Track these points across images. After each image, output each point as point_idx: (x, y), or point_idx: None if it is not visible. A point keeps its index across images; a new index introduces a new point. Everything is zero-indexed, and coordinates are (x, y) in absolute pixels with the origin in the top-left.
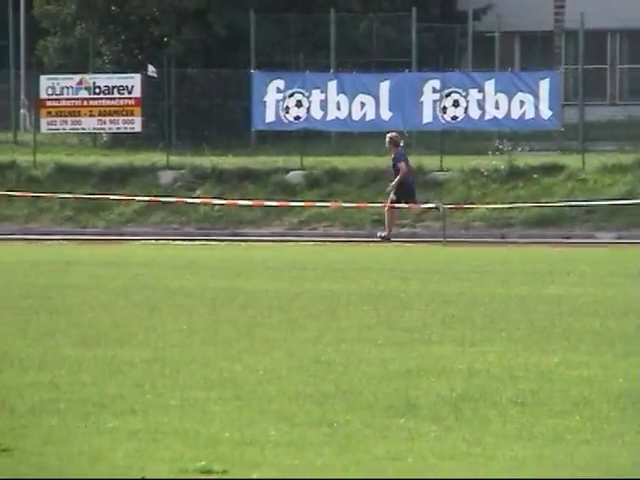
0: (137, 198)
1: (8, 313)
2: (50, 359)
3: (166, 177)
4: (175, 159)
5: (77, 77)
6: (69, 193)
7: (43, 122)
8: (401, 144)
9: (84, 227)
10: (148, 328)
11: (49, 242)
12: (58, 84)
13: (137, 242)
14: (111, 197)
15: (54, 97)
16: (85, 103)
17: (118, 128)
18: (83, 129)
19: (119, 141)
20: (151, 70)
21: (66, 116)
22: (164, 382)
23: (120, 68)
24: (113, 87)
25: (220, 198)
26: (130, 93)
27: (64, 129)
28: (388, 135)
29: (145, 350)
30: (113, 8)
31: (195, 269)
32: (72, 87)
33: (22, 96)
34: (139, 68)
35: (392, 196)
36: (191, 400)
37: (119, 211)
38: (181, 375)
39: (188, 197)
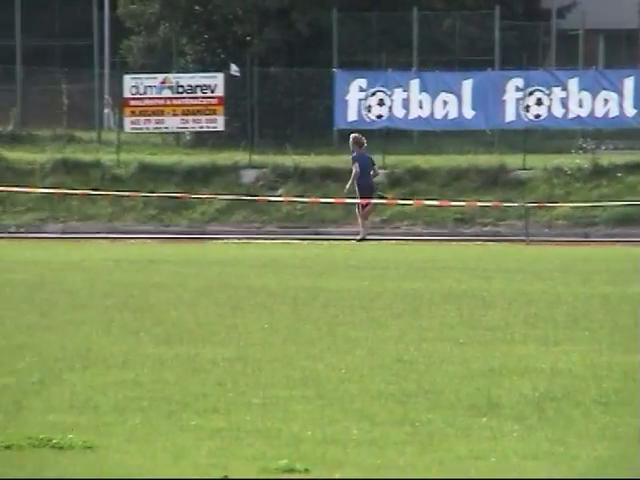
0: (219, 197)
1: (92, 312)
2: (133, 357)
3: (248, 176)
4: (257, 158)
5: (160, 76)
6: (152, 192)
7: (127, 121)
8: (364, 145)
9: (167, 226)
10: (230, 327)
11: (132, 241)
12: (142, 83)
13: (219, 241)
14: (194, 196)
15: (138, 96)
16: (168, 102)
17: (201, 127)
18: (166, 128)
19: (202, 140)
20: (234, 69)
21: (149, 115)
22: (246, 380)
23: (203, 67)
24: (196, 86)
25: (302, 197)
26: (213, 92)
27: (147, 128)
28: (352, 135)
29: (227, 348)
30: (196, 8)
31: (277, 268)
32: (155, 86)
33: (106, 96)
34: (222, 67)
35: (358, 200)
36: (273, 398)
37: (202, 210)
38: (263, 374)
39: (270, 196)
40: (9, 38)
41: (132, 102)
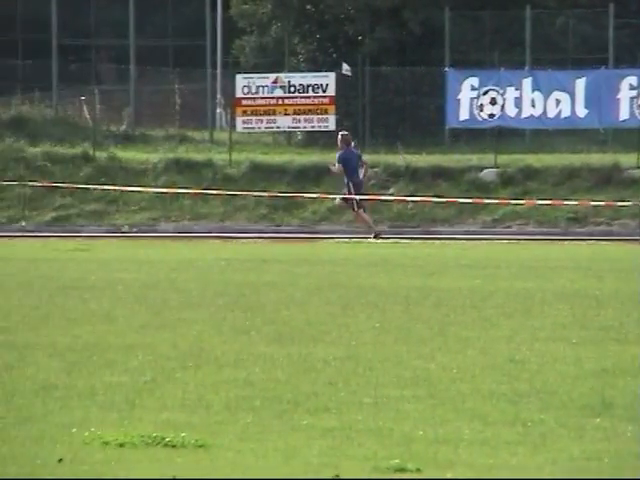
0: (331, 196)
1: (204, 310)
2: (245, 356)
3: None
4: (369, 157)
5: (272, 76)
6: (264, 191)
7: (239, 121)
8: (353, 143)
9: (278, 225)
10: (341, 326)
11: (244, 240)
12: (254, 83)
13: (330, 240)
14: (305, 195)
15: (250, 96)
16: (280, 102)
17: (312, 126)
18: (278, 128)
19: (313, 139)
20: (345, 69)
21: (261, 115)
22: (357, 380)
23: (315, 67)
24: (308, 86)
25: (413, 196)
26: (324, 92)
27: (259, 128)
28: (340, 133)
29: (338, 348)
30: (308, 7)
31: (388, 267)
32: (267, 86)
33: (218, 95)
34: (333, 67)
35: (344, 196)
36: (384, 398)
37: (313, 209)
38: (374, 373)
39: (381, 195)
40: (123, 38)
41: (244, 102)
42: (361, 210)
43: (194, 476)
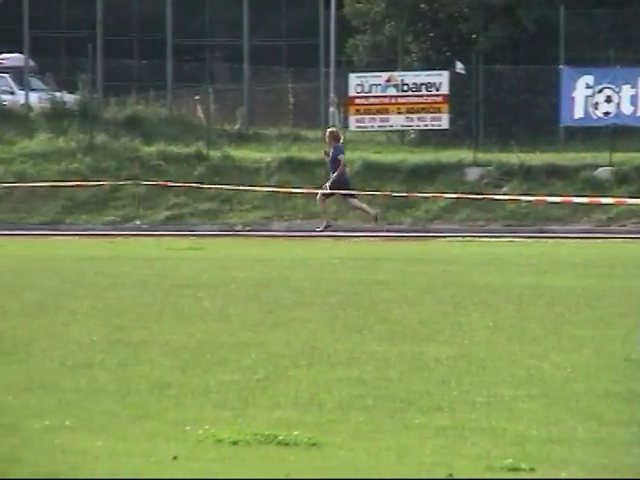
0: (445, 195)
1: (317, 309)
2: (357, 355)
3: (473, 174)
4: (482, 156)
5: (385, 75)
6: (377, 190)
7: (352, 120)
8: (341, 140)
9: (391, 224)
10: (454, 325)
11: (356, 239)
12: (367, 82)
13: (443, 239)
14: (418, 194)
15: (363, 95)
16: (393, 100)
17: (425, 125)
18: (391, 126)
19: (426, 138)
20: (459, 67)
21: (374, 114)
22: (470, 379)
23: (428, 65)
24: (421, 84)
25: (527, 195)
26: (438, 90)
27: (372, 127)
28: (329, 130)
29: (451, 347)
30: (422, 6)
31: (501, 266)
32: (380, 85)
33: (331, 94)
34: (447, 65)
35: (327, 187)
36: (497, 397)
37: (426, 208)
38: (487, 372)
39: (495, 194)
40: (237, 38)
41: (357, 100)
42: (327, 200)
43: (306, 475)
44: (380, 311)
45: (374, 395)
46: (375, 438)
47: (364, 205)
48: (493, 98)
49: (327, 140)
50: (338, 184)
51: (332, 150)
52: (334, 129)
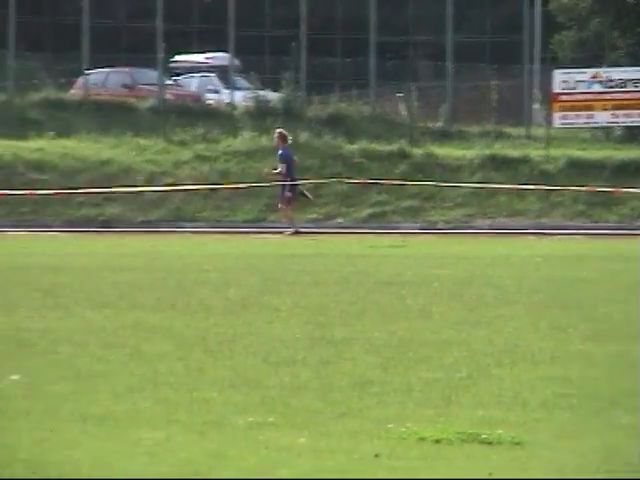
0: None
1: (520, 307)
2: (561, 353)
3: None
4: None
5: (591, 71)
6: (581, 187)
7: (556, 116)
8: (289, 141)
9: (596, 221)
10: None
11: (559, 237)
12: (572, 78)
13: None
14: (623, 190)
15: (567, 91)
16: (598, 97)
17: (632, 122)
18: (596, 123)
19: (632, 135)
20: None
21: (579, 110)
22: None
23: (635, 61)
24: (627, 80)
25: None
26: None
27: (577, 123)
28: (277, 130)
29: None
30: (628, 1)
31: None
32: (585, 81)
33: (535, 91)
34: None
35: (287, 194)
36: None
37: (632, 205)
38: None
39: None
40: (440, 35)
41: (562, 97)
42: (290, 207)
43: (510, 475)
44: (585, 309)
45: (579, 394)
46: (580, 437)
47: (293, 217)
48: None
49: (275, 140)
50: (294, 188)
51: (280, 151)
52: (282, 129)
